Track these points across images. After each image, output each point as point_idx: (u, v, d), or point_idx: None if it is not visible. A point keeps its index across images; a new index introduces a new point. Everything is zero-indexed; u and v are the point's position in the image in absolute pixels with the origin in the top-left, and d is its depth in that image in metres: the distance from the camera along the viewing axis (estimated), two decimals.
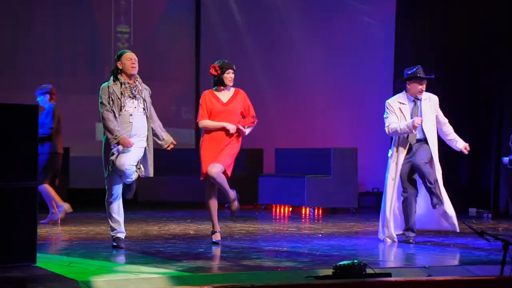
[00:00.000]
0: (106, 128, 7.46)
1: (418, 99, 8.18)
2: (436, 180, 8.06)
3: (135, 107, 7.52)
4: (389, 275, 5.78)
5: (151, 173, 7.68)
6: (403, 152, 8.14)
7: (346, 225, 10.38)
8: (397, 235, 8.20)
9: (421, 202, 8.25)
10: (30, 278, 5.72)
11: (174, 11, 15.17)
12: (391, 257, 7.23)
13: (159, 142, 7.74)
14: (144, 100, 7.58)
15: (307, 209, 12.48)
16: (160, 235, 8.98)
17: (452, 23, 12.38)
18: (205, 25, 15.22)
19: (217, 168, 7.75)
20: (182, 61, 14.87)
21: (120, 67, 7.57)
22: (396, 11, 13.35)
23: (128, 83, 7.53)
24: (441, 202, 8.05)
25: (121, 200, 7.68)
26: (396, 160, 8.16)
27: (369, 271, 5.64)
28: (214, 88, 8.01)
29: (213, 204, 7.99)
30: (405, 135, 8.13)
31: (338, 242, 8.30)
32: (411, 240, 8.08)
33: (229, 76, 7.93)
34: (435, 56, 12.58)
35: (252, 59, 14.44)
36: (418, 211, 8.22)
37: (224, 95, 7.97)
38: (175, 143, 7.80)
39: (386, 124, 8.21)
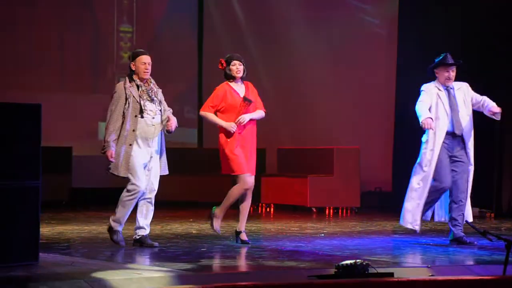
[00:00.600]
0: (105, 129, 7.43)
1: (450, 87, 8.00)
2: (465, 197, 7.96)
3: (156, 110, 7.45)
4: (392, 274, 5.77)
5: (166, 171, 7.62)
6: (439, 143, 7.91)
7: (348, 224, 10.38)
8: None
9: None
10: (32, 277, 5.73)
11: (176, 10, 15.17)
12: (394, 257, 7.22)
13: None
14: (160, 101, 7.53)
15: (309, 209, 12.45)
16: (163, 234, 8.98)
17: (455, 21, 12.37)
18: (208, 24, 15.22)
19: (253, 180, 7.74)
20: (184, 60, 14.87)
21: (133, 69, 7.50)
22: (399, 10, 13.34)
23: (144, 85, 7.46)
24: (462, 216, 7.92)
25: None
26: (433, 146, 7.95)
27: (371, 270, 5.64)
28: (228, 82, 7.84)
29: (246, 205, 7.88)
30: (446, 126, 7.92)
31: (341, 242, 8.30)
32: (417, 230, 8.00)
33: (235, 67, 7.75)
34: (438, 55, 12.57)
35: (255, 59, 14.43)
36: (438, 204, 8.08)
37: (240, 89, 7.82)
38: (171, 119, 7.50)
39: (420, 101, 7.98)
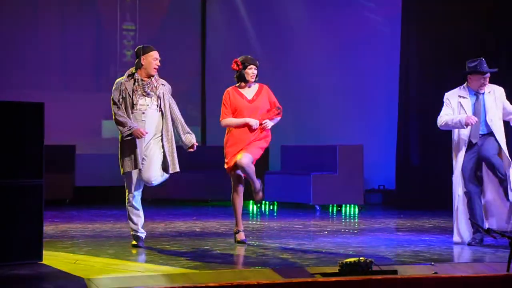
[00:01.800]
0: (118, 123, 7.35)
1: (480, 93, 7.80)
2: (507, 173, 7.65)
3: (148, 105, 7.37)
4: (395, 272, 5.77)
5: (177, 168, 7.51)
6: (463, 149, 7.77)
7: (352, 222, 10.37)
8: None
9: (489, 199, 7.86)
10: (36, 275, 5.73)
11: (179, 8, 15.17)
12: (397, 254, 7.22)
13: (180, 143, 7.64)
14: (159, 97, 7.44)
15: (313, 206, 12.45)
16: (166, 232, 8.98)
17: (459, 19, 12.35)
18: (211, 22, 15.21)
19: (246, 157, 7.54)
20: (187, 58, 14.86)
21: (143, 63, 7.44)
22: (402, 8, 13.32)
23: (142, 80, 7.40)
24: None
25: (139, 199, 7.55)
26: (456, 157, 7.81)
27: (375, 268, 5.64)
28: (237, 85, 7.81)
29: (239, 201, 7.77)
30: (466, 133, 7.74)
31: (344, 239, 8.29)
32: (477, 242, 7.72)
33: (250, 72, 7.71)
34: (441, 52, 12.55)
35: (258, 56, 14.36)
36: (486, 210, 7.85)
37: (248, 92, 7.77)
38: (196, 145, 7.60)
39: (439, 117, 7.83)
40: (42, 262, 6.26)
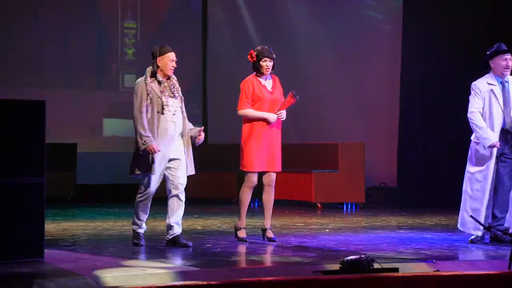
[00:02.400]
0: (136, 130, 7.24)
1: (505, 81, 7.63)
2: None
3: (177, 106, 7.36)
4: (397, 270, 5.77)
5: (193, 171, 7.49)
6: (496, 137, 7.52)
7: (353, 220, 10.38)
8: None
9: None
10: (38, 273, 5.74)
11: (180, 6, 15.16)
12: (399, 252, 7.21)
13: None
14: (181, 98, 7.46)
15: (314, 204, 12.45)
16: None
17: (461, 16, 12.35)
18: (212, 20, 15.21)
19: (273, 178, 7.71)
20: (188, 56, 14.85)
21: (159, 64, 7.36)
22: (403, 5, 13.32)
23: (166, 81, 7.35)
24: None
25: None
26: (484, 161, 7.58)
27: (376, 266, 5.64)
28: (255, 74, 7.73)
29: (248, 198, 7.76)
30: (498, 128, 7.54)
31: (345, 237, 8.29)
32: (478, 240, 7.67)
33: (264, 64, 7.65)
34: (443, 50, 12.55)
35: None
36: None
37: (267, 83, 7.73)
38: (202, 130, 7.51)
39: (470, 109, 7.61)
40: (43, 260, 6.27)
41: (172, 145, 7.34)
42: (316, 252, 7.09)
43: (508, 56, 7.66)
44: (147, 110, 7.25)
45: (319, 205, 12.42)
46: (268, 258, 6.79)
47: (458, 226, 7.88)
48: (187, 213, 11.08)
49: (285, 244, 7.72)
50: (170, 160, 7.33)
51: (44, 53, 13.94)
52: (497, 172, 7.63)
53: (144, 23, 14.71)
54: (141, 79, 7.36)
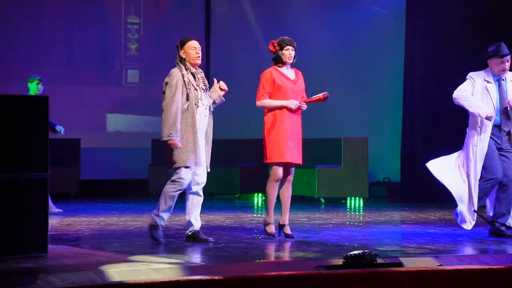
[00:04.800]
0: (165, 119, 6.99)
1: (502, 79, 7.61)
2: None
3: (208, 101, 7.21)
4: (400, 264, 5.77)
5: (209, 168, 7.39)
6: (487, 132, 7.53)
7: (356, 215, 10.37)
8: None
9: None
10: (41, 269, 5.74)
11: (184, 1, 15.16)
12: (402, 247, 7.22)
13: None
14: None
15: (318, 199, 12.47)
16: (171, 225, 8.98)
17: (463, 9, 12.33)
18: (215, 15, 15.20)
19: (293, 172, 7.64)
20: None
21: (183, 57, 7.16)
22: (407, 1, 13.30)
23: (200, 74, 7.17)
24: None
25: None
26: (479, 140, 7.56)
27: (379, 261, 5.64)
28: (276, 66, 7.59)
29: (275, 192, 7.65)
30: (491, 121, 7.50)
31: (349, 232, 8.29)
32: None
33: (287, 52, 7.50)
34: (446, 46, 12.53)
35: (263, 49, 14.40)
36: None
37: (289, 73, 7.59)
38: (222, 86, 7.31)
39: (457, 89, 7.61)
40: (47, 256, 6.28)
41: (202, 140, 7.23)
42: (320, 247, 7.09)
43: (507, 58, 7.63)
44: (182, 103, 7.05)
45: (322, 200, 12.42)
46: (271, 253, 6.79)
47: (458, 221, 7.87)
48: None
49: (288, 238, 7.72)
50: None
51: (47, 48, 13.95)
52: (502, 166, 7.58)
53: (148, 18, 14.72)
54: (176, 69, 7.13)
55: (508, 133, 7.65)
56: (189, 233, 7.33)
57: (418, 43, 13.01)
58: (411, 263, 6.07)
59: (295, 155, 7.60)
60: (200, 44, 7.31)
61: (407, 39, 13.28)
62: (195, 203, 7.35)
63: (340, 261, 5.70)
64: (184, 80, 7.07)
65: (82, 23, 14.21)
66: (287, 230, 7.71)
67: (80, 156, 13.28)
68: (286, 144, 7.51)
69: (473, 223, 7.72)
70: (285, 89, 7.50)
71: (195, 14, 15.13)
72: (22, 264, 5.84)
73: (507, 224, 7.58)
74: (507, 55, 7.63)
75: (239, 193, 13.23)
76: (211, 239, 7.30)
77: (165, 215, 7.32)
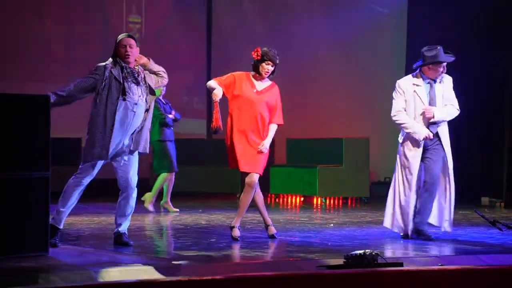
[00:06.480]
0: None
1: (433, 81, 7.64)
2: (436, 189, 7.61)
3: (140, 96, 6.92)
4: (401, 264, 5.77)
5: (146, 149, 7.08)
6: (418, 144, 7.60)
7: (357, 215, 10.37)
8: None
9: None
10: (43, 268, 5.75)
11: (185, 1, 15.16)
12: (403, 247, 7.22)
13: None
14: (147, 87, 7.00)
15: (318, 199, 12.48)
16: (172, 225, 8.99)
17: (465, 11, 12.32)
18: (216, 14, 15.20)
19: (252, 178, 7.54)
20: (193, 51, 14.86)
21: (116, 52, 6.99)
22: (409, 1, 13.31)
23: (129, 67, 6.92)
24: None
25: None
26: (412, 147, 7.63)
27: (380, 261, 5.64)
28: (252, 74, 7.55)
29: (249, 200, 7.64)
30: (423, 130, 7.52)
31: (350, 232, 8.29)
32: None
33: (267, 67, 7.45)
34: (447, 45, 12.51)
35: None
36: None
37: (260, 84, 7.51)
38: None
39: (393, 110, 7.68)
40: (48, 255, 6.28)
41: (126, 137, 7.02)
42: (321, 247, 7.09)
43: (444, 64, 7.61)
44: (101, 95, 7.04)
45: (323, 200, 12.42)
46: (272, 253, 6.80)
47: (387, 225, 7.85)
48: (191, 208, 11.14)
49: (289, 239, 7.72)
50: None
51: (49, 47, 13.95)
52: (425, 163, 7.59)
53: (149, 18, 14.72)
54: (101, 64, 7.02)
55: (436, 135, 7.64)
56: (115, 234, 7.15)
57: (419, 43, 12.97)
58: (412, 263, 6.07)
59: (249, 163, 7.52)
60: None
61: (408, 38, 13.27)
62: (122, 205, 7.32)
63: (341, 261, 5.70)
64: (105, 73, 6.92)
65: (83, 22, 14.21)
66: (271, 230, 7.66)
67: (81, 155, 13.27)
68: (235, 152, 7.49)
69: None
70: (244, 96, 7.44)
71: (196, 14, 15.13)
72: (23, 263, 5.84)
73: (501, 224, 7.59)
74: (444, 61, 7.59)
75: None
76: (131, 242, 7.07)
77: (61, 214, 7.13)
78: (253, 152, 7.49)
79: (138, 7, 14.64)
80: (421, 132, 7.53)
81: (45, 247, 6.28)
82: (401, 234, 7.75)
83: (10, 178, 6.13)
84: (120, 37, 7.09)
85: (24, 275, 5.48)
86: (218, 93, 7.42)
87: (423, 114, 7.58)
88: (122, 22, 14.51)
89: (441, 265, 6.05)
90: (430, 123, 7.61)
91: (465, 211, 10.38)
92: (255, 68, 7.53)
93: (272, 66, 7.49)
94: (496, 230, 7.80)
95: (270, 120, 7.59)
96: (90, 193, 12.91)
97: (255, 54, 7.51)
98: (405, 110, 7.66)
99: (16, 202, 6.15)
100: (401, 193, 7.74)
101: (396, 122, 7.72)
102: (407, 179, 7.66)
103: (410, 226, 7.63)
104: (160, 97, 10.38)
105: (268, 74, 7.52)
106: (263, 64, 7.47)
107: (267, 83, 7.59)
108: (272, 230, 7.68)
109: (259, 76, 7.53)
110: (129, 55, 6.94)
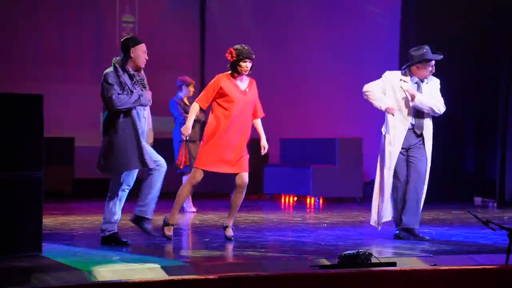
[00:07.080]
0: (128, 104, 6.94)
1: (421, 81, 7.64)
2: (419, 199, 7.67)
3: (149, 100, 7.10)
4: (394, 264, 5.78)
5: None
6: (402, 134, 7.65)
7: (351, 214, 10.38)
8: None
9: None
10: (36, 268, 5.74)
11: (179, 1, 15.15)
12: (396, 247, 7.23)
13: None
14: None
15: (312, 199, 12.49)
16: None
17: (459, 11, 12.34)
18: (210, 15, 15.19)
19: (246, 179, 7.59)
20: (186, 51, 14.84)
21: (132, 56, 7.05)
22: (402, 0, 13.31)
23: (138, 75, 7.08)
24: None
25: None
26: (393, 141, 7.71)
27: (374, 260, 5.65)
28: (229, 73, 7.45)
29: (188, 194, 7.70)
30: (407, 125, 7.62)
31: (343, 232, 8.30)
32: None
33: (245, 65, 7.36)
34: (441, 45, 12.52)
35: (258, 48, 14.39)
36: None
37: (241, 83, 7.44)
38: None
39: (368, 85, 7.75)
40: (41, 254, 6.27)
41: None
42: (314, 247, 7.09)
43: (432, 63, 7.60)
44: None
45: (316, 199, 12.42)
46: (266, 253, 6.80)
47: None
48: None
49: (283, 238, 7.73)
50: None
51: (42, 47, 13.92)
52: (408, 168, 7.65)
53: (142, 17, 14.70)
54: (109, 70, 7.14)
55: (421, 135, 7.66)
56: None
57: (413, 42, 13.00)
58: (405, 263, 6.08)
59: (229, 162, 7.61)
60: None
61: (402, 38, 13.28)
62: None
63: (334, 261, 5.71)
64: (120, 81, 7.06)
65: (76, 21, 14.18)
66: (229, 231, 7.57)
67: (74, 154, 13.25)
68: (209, 152, 7.58)
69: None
70: (232, 98, 7.38)
71: (190, 14, 15.12)
72: (16, 263, 5.83)
73: (497, 225, 7.60)
74: (433, 59, 7.58)
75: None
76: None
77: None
78: (239, 153, 7.46)
79: (132, 7, 14.62)
80: (386, 104, 7.59)
81: (38, 247, 6.27)
82: (392, 220, 7.72)
83: (3, 177, 6.11)
84: (139, 41, 7.14)
85: (18, 275, 5.47)
86: (188, 129, 7.42)
87: (407, 105, 7.56)
88: (115, 22, 14.49)
89: (434, 265, 6.06)
90: (416, 119, 7.60)
91: (458, 211, 10.41)
92: (233, 68, 7.42)
93: (250, 62, 7.40)
94: (489, 230, 7.77)
95: (254, 115, 7.55)
96: (86, 193, 12.96)
97: (229, 55, 7.40)
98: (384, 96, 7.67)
99: (9, 202, 6.13)
100: (387, 181, 7.77)
101: (365, 93, 7.79)
102: (389, 167, 7.74)
103: (400, 216, 7.61)
104: (183, 97, 10.39)
105: (248, 71, 7.44)
106: (241, 63, 7.37)
107: (246, 80, 7.51)
108: (230, 232, 7.53)
109: (237, 75, 7.44)
110: (146, 60, 7.08)
